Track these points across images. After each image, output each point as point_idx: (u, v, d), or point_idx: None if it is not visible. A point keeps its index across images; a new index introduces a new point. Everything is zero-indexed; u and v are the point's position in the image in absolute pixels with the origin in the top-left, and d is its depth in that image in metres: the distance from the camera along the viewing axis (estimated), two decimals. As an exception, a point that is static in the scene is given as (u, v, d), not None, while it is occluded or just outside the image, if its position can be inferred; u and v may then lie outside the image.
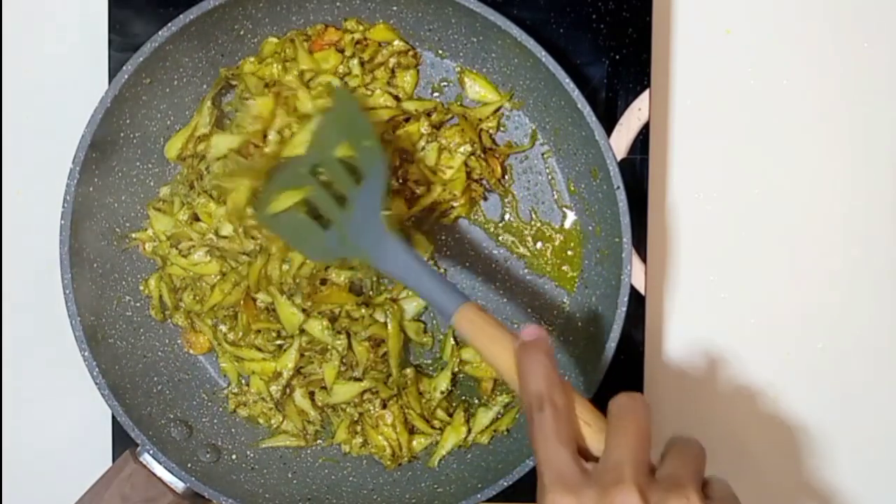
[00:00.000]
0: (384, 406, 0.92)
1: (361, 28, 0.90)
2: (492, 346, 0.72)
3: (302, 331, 0.90)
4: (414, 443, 0.92)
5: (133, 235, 0.91)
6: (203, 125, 0.90)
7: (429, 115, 0.91)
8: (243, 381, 0.94)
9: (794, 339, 0.97)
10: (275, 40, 0.90)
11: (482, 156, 0.91)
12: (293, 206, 0.84)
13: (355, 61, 0.90)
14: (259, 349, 0.92)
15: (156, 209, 0.91)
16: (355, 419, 0.92)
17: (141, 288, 0.92)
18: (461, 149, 0.90)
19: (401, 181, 0.90)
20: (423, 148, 0.90)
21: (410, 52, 0.91)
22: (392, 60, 0.91)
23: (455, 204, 0.91)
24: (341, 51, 0.90)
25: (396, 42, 0.91)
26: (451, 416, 0.93)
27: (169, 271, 0.92)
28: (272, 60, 0.90)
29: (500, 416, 0.93)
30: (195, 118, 0.90)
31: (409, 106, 0.91)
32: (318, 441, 0.94)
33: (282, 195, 0.85)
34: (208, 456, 0.91)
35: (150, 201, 0.91)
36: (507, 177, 0.93)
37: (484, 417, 0.92)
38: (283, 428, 0.93)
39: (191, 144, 0.90)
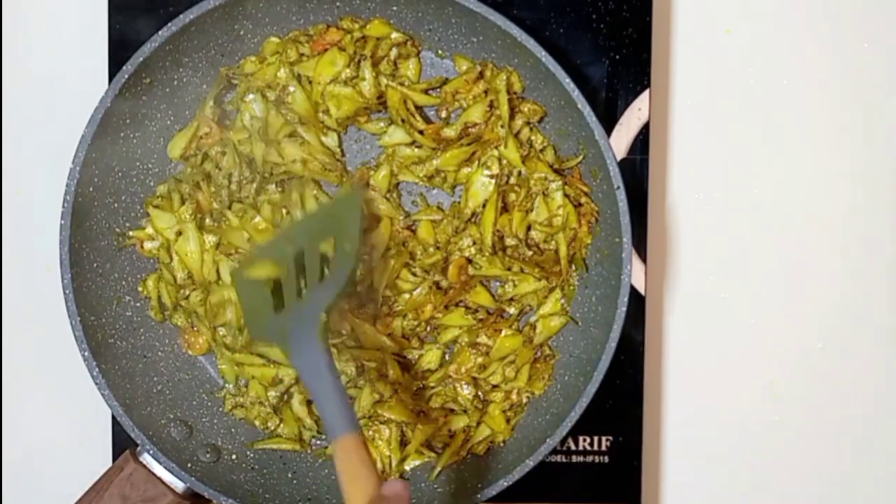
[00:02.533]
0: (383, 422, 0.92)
1: (357, 26, 0.90)
2: (351, 486, 0.72)
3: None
4: (407, 466, 0.92)
5: (131, 234, 0.91)
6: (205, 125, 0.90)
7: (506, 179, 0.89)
8: (241, 383, 0.94)
9: (794, 339, 0.97)
10: (276, 40, 0.90)
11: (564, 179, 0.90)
12: (264, 280, 0.84)
13: (368, 71, 0.89)
14: (260, 355, 0.91)
15: (155, 207, 0.91)
16: None
17: (140, 289, 0.92)
18: (553, 185, 0.89)
19: (535, 248, 0.90)
20: (533, 209, 0.89)
21: (409, 42, 0.91)
22: (393, 52, 0.90)
23: (580, 234, 0.89)
24: (343, 49, 0.89)
25: (394, 34, 0.90)
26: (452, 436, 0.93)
27: (169, 271, 0.91)
28: (273, 60, 0.90)
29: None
30: (197, 118, 0.90)
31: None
32: (313, 445, 0.94)
33: (261, 264, 0.85)
34: (208, 456, 0.91)
35: (149, 199, 0.91)
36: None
37: (484, 429, 0.91)
38: (279, 431, 0.93)
39: (194, 144, 0.90)
